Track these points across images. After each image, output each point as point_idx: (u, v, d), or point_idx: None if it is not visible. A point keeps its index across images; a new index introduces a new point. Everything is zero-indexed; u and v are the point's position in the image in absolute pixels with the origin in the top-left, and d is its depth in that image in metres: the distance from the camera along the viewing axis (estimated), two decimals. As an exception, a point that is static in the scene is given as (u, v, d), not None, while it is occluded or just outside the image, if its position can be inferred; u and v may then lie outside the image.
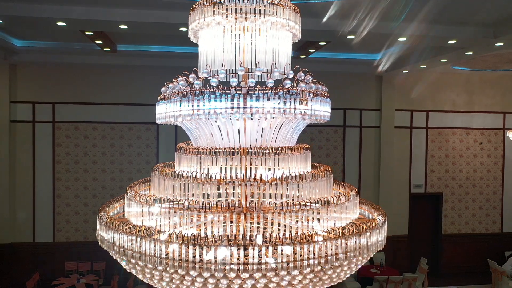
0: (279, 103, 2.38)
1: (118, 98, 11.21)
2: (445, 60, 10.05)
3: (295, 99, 2.41)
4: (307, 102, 2.49)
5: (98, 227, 2.52)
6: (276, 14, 2.61)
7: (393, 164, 12.26)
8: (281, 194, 2.48)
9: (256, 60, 2.58)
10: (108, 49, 9.75)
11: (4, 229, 10.75)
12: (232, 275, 2.01)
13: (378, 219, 2.54)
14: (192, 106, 2.40)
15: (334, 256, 2.13)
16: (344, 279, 2.45)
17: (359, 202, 3.08)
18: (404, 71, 11.55)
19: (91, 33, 8.44)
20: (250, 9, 2.57)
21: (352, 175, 12.30)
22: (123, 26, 7.48)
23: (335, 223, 2.39)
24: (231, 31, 2.62)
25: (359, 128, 12.32)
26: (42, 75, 10.95)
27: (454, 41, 8.26)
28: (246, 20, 2.56)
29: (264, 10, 2.57)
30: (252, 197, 2.54)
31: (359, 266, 2.50)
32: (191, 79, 2.50)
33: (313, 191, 2.59)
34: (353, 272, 2.50)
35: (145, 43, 10.00)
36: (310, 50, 9.85)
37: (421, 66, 10.86)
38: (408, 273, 10.99)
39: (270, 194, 2.53)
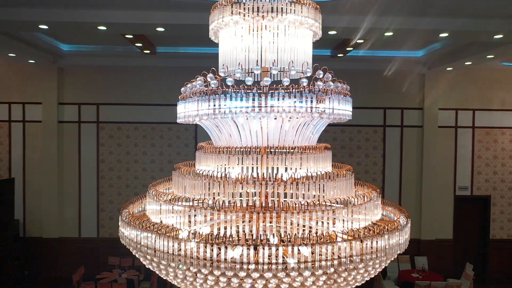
0: (295, 102, 2.35)
1: (158, 99, 11.49)
2: (492, 56, 9.54)
3: (311, 98, 2.37)
4: (324, 101, 2.44)
5: (120, 223, 2.59)
6: (294, 12, 2.58)
7: (436, 165, 11.79)
8: (296, 194, 2.45)
9: (272, 58, 2.56)
10: (148, 51, 10.03)
11: (53, 224, 11.32)
12: (242, 274, 2.01)
13: (400, 221, 2.45)
14: (208, 105, 2.42)
15: (349, 258, 2.07)
16: (363, 282, 2.38)
17: (383, 203, 2.99)
18: (448, 68, 11.09)
19: (131, 36, 8.72)
20: (268, 7, 2.55)
21: (393, 176, 11.95)
22: (160, 29, 7.67)
23: (351, 224, 2.33)
24: (249, 30, 2.62)
25: (400, 128, 11.95)
26: (87, 77, 11.44)
27: (500, 36, 7.82)
28: (263, 18, 2.55)
29: (282, 8, 2.55)
30: (268, 197, 2.53)
31: (379, 270, 2.42)
32: (208, 79, 2.52)
33: (332, 191, 2.54)
34: (372, 276, 2.43)
35: (183, 45, 10.20)
36: (348, 49, 9.67)
37: (466, 63, 10.37)
38: (452, 279, 10.53)
39: (286, 194, 2.51)
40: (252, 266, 1.96)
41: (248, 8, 2.56)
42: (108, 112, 11.50)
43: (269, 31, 2.61)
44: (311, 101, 2.37)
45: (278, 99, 2.32)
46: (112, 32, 8.11)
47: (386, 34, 7.99)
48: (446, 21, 7.42)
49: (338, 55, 10.22)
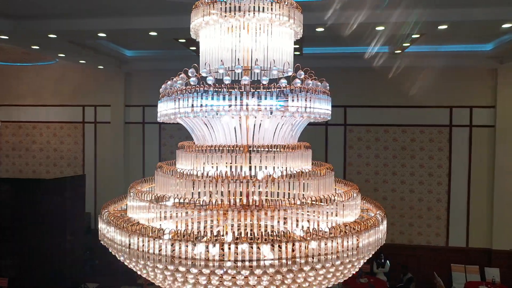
0: (254, 100, 2.32)
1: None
2: None
3: (271, 96, 2.33)
4: (292, 99, 2.38)
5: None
6: (265, 10, 2.54)
7: (511, 168, 10.73)
8: (267, 192, 2.42)
9: (236, 58, 2.55)
10: (203, 55, 10.35)
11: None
12: (182, 269, 2.04)
13: (364, 223, 2.30)
14: (174, 105, 2.48)
15: (290, 260, 2.01)
16: (330, 284, 2.28)
17: (375, 206, 2.83)
18: (524, 62, 10.06)
19: (183, 41, 9.10)
20: (242, 7, 2.54)
21: (460, 179, 11.09)
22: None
23: (310, 223, 2.25)
24: (220, 30, 2.64)
25: (469, 128, 11.06)
26: (150, 81, 12.08)
27: None
28: (232, 17, 2.55)
29: (251, 6, 2.53)
30: (240, 195, 2.52)
31: (342, 277, 2.29)
32: (180, 79, 2.59)
33: (305, 190, 2.47)
34: (339, 281, 2.31)
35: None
36: (404, 44, 9.19)
37: (544, 55, 9.34)
38: (527, 294, 9.56)
39: (261, 192, 2.48)
40: (189, 262, 1.99)
41: (219, 8, 2.58)
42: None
43: (241, 30, 2.60)
44: (271, 99, 2.32)
45: (236, 98, 2.31)
46: (163, 37, 8.52)
47: (440, 27, 7.47)
48: (507, 10, 6.75)
49: (396, 51, 9.74)
